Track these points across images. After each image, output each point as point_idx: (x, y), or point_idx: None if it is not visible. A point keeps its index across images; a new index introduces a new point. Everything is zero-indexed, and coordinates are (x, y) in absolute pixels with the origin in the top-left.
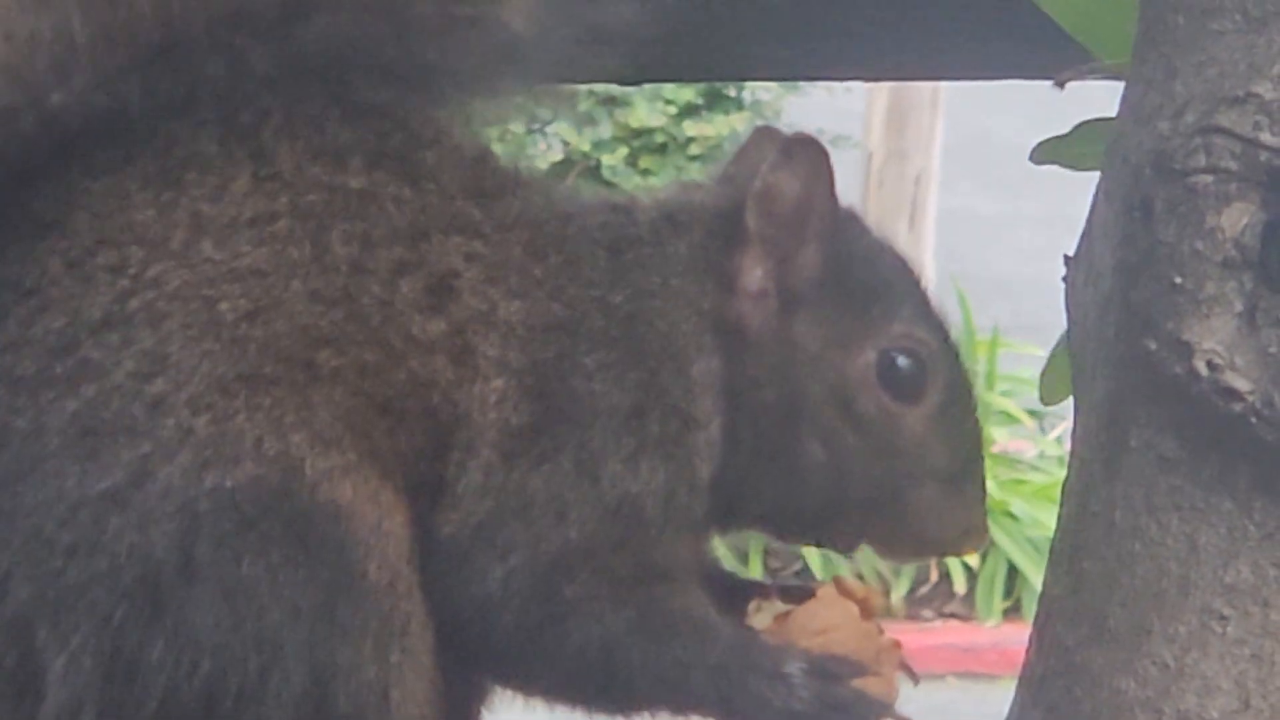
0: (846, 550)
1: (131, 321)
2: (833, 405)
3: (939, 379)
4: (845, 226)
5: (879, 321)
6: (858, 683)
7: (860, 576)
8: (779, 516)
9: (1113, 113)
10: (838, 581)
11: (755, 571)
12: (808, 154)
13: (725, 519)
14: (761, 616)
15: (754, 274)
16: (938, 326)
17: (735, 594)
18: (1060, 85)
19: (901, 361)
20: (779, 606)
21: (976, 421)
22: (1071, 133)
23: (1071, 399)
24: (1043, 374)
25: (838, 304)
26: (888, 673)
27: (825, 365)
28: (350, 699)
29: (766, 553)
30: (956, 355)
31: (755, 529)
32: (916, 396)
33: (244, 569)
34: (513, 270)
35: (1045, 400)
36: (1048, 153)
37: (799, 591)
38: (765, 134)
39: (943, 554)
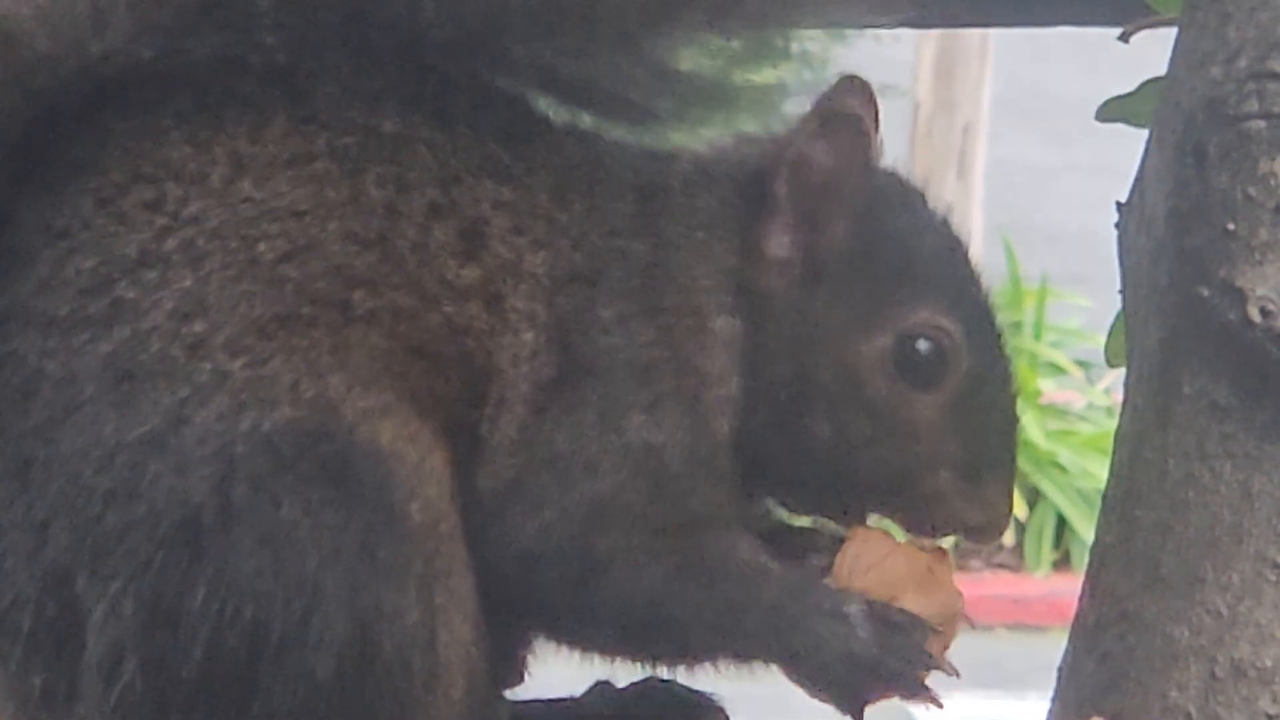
0: (850, 523)
1: (170, 260)
2: (845, 386)
3: (960, 369)
4: (884, 201)
5: (901, 305)
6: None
7: None
8: (788, 489)
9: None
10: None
11: None
12: (846, 125)
13: (747, 484)
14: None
15: (779, 241)
16: (970, 315)
17: (787, 544)
18: (1125, 38)
19: (919, 347)
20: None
21: (1008, 416)
22: (1137, 90)
23: None
24: (1109, 336)
25: (861, 283)
26: (946, 579)
27: (841, 344)
28: (395, 643)
29: None
30: (992, 347)
31: (768, 497)
32: (933, 384)
33: (282, 512)
34: (538, 218)
35: (1111, 362)
36: (1113, 110)
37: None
38: (851, 84)
39: (957, 535)
